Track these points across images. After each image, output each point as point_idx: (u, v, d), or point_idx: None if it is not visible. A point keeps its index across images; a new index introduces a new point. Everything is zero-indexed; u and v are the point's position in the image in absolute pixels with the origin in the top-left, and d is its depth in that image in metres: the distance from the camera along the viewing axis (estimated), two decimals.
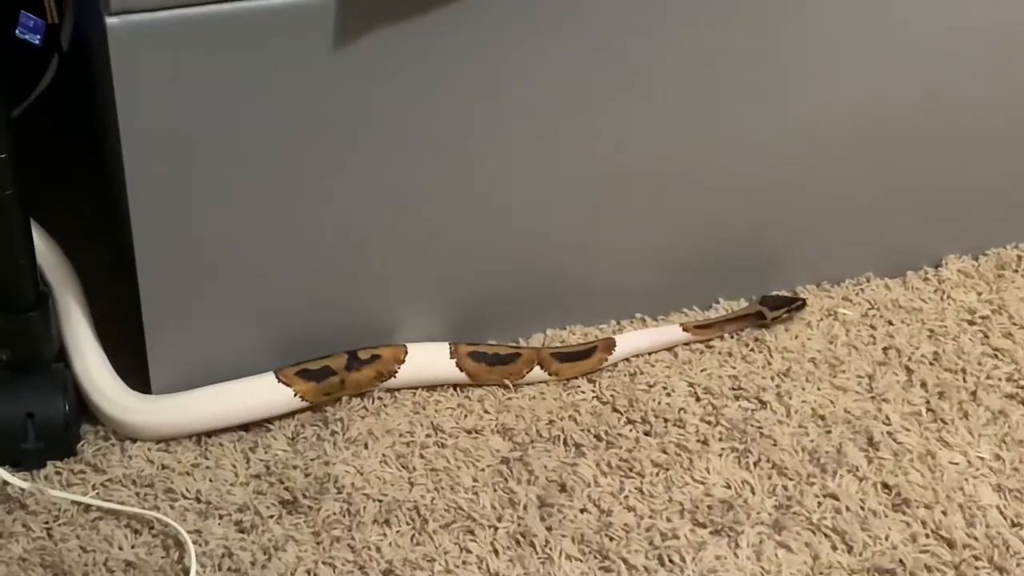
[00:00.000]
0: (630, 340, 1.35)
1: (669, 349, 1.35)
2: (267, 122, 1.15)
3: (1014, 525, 1.17)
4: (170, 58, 1.09)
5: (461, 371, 1.29)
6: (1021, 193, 1.45)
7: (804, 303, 1.39)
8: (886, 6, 1.28)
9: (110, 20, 1.06)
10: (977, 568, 1.14)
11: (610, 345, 1.33)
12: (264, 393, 1.25)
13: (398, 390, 1.29)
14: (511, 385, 1.30)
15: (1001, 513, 1.18)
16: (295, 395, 1.25)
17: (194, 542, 1.14)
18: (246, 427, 1.24)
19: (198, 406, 1.24)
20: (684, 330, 1.35)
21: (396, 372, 1.28)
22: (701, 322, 1.37)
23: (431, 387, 1.29)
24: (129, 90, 1.10)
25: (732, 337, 1.36)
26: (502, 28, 1.17)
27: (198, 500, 1.18)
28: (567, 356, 1.33)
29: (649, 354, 1.35)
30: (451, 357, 1.29)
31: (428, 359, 1.29)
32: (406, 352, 1.29)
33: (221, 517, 1.16)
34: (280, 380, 1.25)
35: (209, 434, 1.23)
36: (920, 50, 1.32)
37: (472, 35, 1.16)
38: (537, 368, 1.31)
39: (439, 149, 1.21)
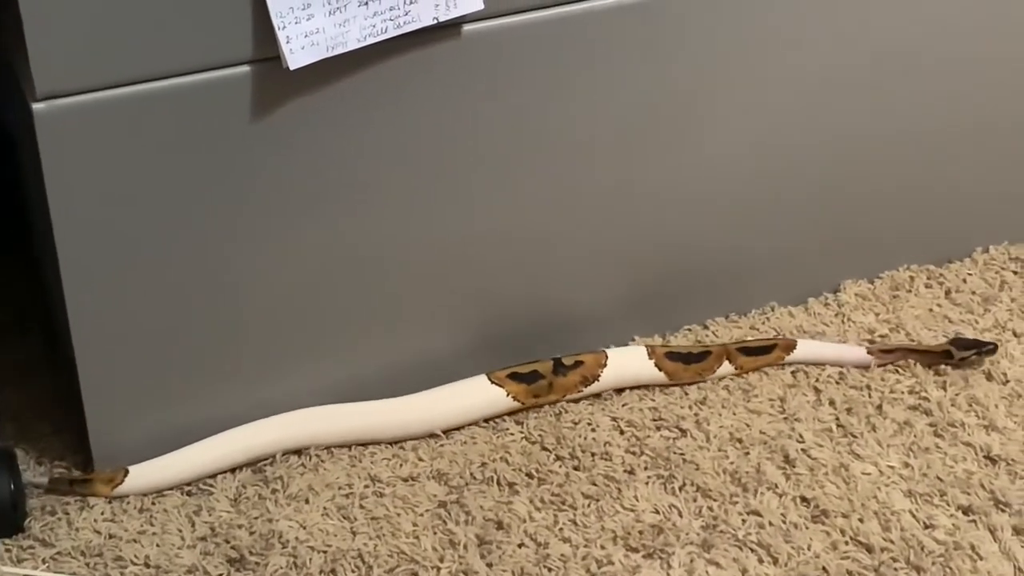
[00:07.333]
0: (811, 347, 1.40)
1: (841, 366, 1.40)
2: (191, 192, 1.19)
3: (927, 527, 1.24)
4: (97, 139, 1.13)
5: (660, 371, 1.36)
6: (910, 218, 1.53)
7: (995, 347, 1.39)
8: (770, 40, 1.36)
9: (36, 106, 1.10)
10: (896, 569, 1.20)
11: (790, 345, 1.40)
12: (479, 393, 1.33)
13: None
14: (705, 381, 1.37)
15: (914, 516, 1.25)
16: (507, 395, 1.33)
17: None
18: (188, 492, 1.28)
19: (424, 405, 1.33)
20: (868, 352, 1.40)
21: (599, 376, 1.35)
22: (884, 346, 1.42)
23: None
24: (58, 173, 1.13)
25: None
26: (407, 93, 1.23)
27: (147, 565, 1.21)
28: (750, 351, 1.39)
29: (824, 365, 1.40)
30: (649, 358, 1.36)
31: (628, 362, 1.37)
32: (607, 357, 1.36)
33: None
34: (493, 382, 1.33)
35: (153, 500, 1.26)
36: (806, 83, 1.39)
37: (378, 102, 1.22)
38: (726, 363, 1.37)
39: (366, 205, 1.26)
